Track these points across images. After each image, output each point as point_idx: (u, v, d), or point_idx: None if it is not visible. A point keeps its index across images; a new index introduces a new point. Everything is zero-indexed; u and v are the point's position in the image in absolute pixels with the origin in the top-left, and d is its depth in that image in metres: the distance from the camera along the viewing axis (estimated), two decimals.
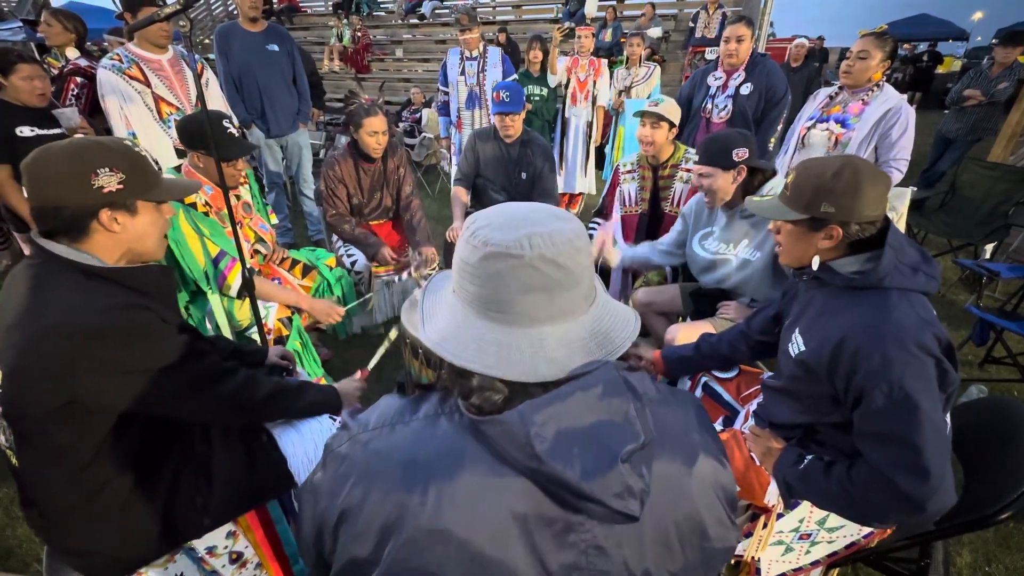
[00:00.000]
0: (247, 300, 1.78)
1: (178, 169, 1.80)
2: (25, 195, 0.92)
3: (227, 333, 1.80)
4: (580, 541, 0.50)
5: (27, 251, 2.51)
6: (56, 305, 0.86)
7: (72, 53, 2.83)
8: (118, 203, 0.94)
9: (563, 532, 0.50)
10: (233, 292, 1.76)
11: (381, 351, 1.52)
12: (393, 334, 1.56)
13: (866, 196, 0.98)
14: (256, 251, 2.01)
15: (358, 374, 1.42)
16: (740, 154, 1.67)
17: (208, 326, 1.79)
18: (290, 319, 1.91)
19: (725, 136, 1.71)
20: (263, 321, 1.80)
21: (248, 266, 1.56)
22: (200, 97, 1.40)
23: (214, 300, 1.77)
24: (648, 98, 4.14)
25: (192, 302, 1.85)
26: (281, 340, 1.85)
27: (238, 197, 1.94)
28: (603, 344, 0.54)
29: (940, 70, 11.94)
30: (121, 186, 0.93)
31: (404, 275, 2.52)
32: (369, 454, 0.54)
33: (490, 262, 0.51)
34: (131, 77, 2.32)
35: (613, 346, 0.54)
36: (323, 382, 2.06)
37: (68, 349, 0.83)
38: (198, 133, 1.68)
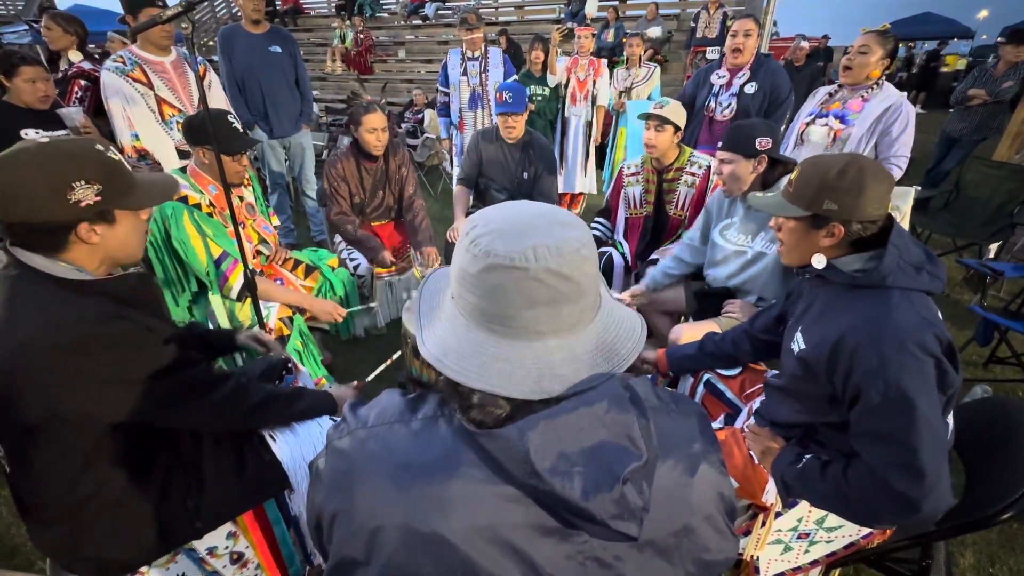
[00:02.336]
0: (248, 301, 1.79)
1: (183, 170, 1.81)
2: None
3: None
4: (578, 554, 0.49)
5: None
6: (31, 318, 0.83)
7: (75, 56, 2.85)
8: (96, 215, 0.90)
9: (560, 544, 0.49)
10: (234, 294, 1.77)
11: (382, 367, 1.51)
12: (396, 355, 1.56)
13: (870, 195, 0.97)
14: (259, 252, 2.02)
15: (355, 384, 1.41)
16: (763, 143, 1.66)
17: (211, 326, 1.80)
18: (291, 319, 1.92)
19: (750, 124, 1.71)
20: (265, 321, 1.82)
21: (250, 267, 1.57)
22: (202, 98, 1.41)
23: (215, 301, 1.79)
24: (649, 98, 4.15)
25: (195, 302, 1.86)
26: (282, 340, 1.86)
27: (241, 198, 1.95)
28: (609, 357, 0.51)
29: (945, 69, 11.87)
30: (99, 197, 0.89)
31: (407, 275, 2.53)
32: (365, 454, 0.53)
33: (492, 274, 0.47)
34: (134, 79, 2.33)
35: (619, 358, 0.52)
36: (323, 382, 2.08)
37: (45, 363, 0.81)
38: (203, 129, 1.69)
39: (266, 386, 1.15)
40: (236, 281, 1.75)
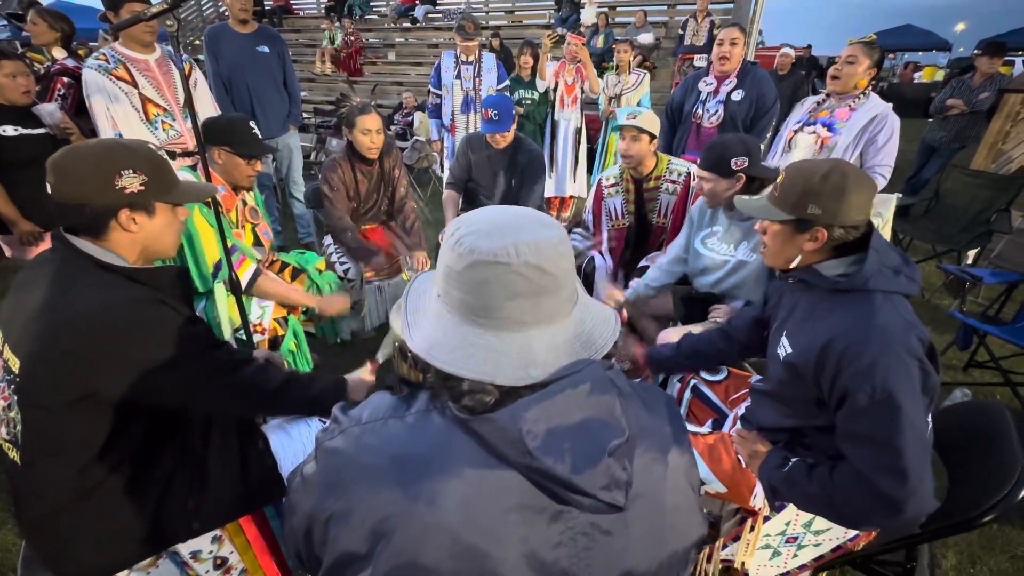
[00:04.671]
0: (244, 298, 1.77)
1: (194, 167, 1.78)
2: (49, 191, 0.93)
3: (227, 328, 1.77)
4: (568, 530, 0.52)
5: (8, 253, 2.46)
6: (79, 298, 0.88)
7: (59, 53, 2.79)
8: (138, 204, 0.98)
9: (553, 521, 0.51)
10: (241, 287, 1.74)
11: (389, 349, 1.47)
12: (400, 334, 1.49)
13: (852, 200, 0.99)
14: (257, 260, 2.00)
15: (368, 366, 1.36)
16: (738, 163, 1.68)
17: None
18: (286, 319, 1.89)
19: (724, 143, 1.72)
20: (259, 321, 1.80)
21: (234, 271, 1.55)
22: (188, 98, 1.39)
23: (219, 294, 1.75)
24: (639, 105, 4.18)
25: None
26: (276, 340, 1.83)
27: (245, 202, 1.93)
28: (587, 346, 0.55)
29: (923, 79, 12.21)
30: (143, 187, 0.97)
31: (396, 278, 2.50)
32: (361, 449, 0.54)
33: (476, 270, 0.51)
34: (117, 77, 2.28)
35: (597, 346, 0.56)
36: None
37: (90, 341, 0.85)
38: (223, 129, 1.73)
39: (285, 370, 1.15)
40: (243, 274, 1.73)
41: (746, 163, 1.68)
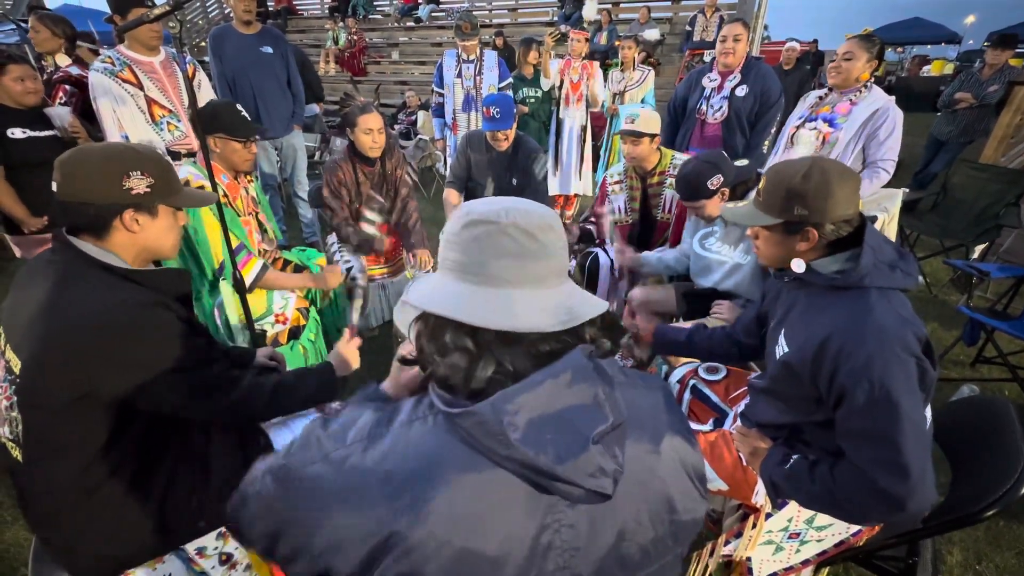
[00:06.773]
0: (257, 292, 1.80)
1: (195, 162, 1.80)
2: (54, 189, 0.94)
3: (237, 325, 1.79)
4: (555, 520, 0.52)
5: (18, 253, 2.49)
6: (81, 300, 0.89)
7: (63, 60, 2.78)
8: (142, 205, 1.00)
9: (540, 512, 0.52)
10: (247, 285, 1.76)
11: (358, 304, 1.50)
12: (363, 280, 1.61)
13: (837, 196, 0.98)
14: (264, 251, 2.01)
15: (347, 334, 1.35)
16: (715, 182, 1.75)
17: (216, 318, 1.78)
18: (307, 310, 1.91)
19: (695, 172, 1.78)
20: (282, 311, 1.84)
21: (239, 269, 1.56)
22: (192, 99, 1.40)
23: (226, 291, 1.77)
24: (643, 102, 4.16)
25: (197, 299, 1.84)
26: (298, 330, 1.86)
27: (247, 191, 1.95)
28: (570, 312, 0.56)
29: (932, 72, 12.07)
30: (148, 190, 1.00)
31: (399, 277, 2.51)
32: (347, 471, 0.53)
33: (469, 229, 0.56)
34: (123, 80, 2.31)
35: (580, 314, 0.56)
36: None
37: (93, 342, 0.86)
38: (212, 117, 1.74)
39: (272, 378, 1.15)
40: (249, 273, 1.75)
41: (722, 179, 1.74)
